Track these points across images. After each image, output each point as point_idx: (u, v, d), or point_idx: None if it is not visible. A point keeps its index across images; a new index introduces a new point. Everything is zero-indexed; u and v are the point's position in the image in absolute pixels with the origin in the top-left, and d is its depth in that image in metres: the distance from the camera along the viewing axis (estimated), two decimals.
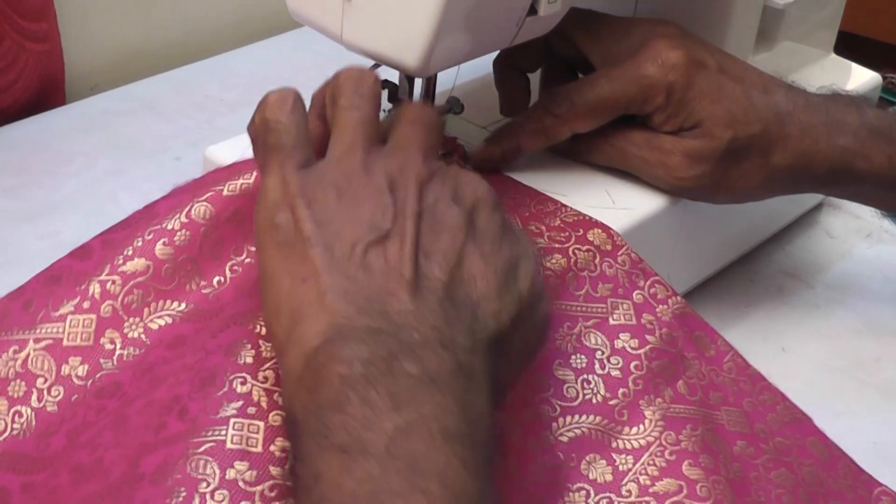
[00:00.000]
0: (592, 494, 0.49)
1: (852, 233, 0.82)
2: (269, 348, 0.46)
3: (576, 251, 0.56)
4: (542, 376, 0.51)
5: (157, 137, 0.85)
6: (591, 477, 0.50)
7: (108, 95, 0.91)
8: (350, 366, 0.40)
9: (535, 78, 0.67)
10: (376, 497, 0.37)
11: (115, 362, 0.48)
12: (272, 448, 0.44)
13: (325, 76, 1.00)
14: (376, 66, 0.60)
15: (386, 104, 0.61)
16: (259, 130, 0.48)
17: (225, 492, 0.42)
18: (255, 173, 0.52)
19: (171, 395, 0.45)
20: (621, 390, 0.52)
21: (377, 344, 0.41)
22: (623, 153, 0.62)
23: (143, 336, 0.49)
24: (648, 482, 0.49)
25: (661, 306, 0.55)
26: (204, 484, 0.42)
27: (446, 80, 0.64)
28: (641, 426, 0.51)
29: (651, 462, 0.50)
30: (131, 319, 0.49)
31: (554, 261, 0.55)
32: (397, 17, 0.51)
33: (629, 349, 0.53)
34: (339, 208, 0.45)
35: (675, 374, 0.53)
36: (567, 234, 0.56)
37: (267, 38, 1.03)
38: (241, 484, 0.42)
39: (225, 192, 0.52)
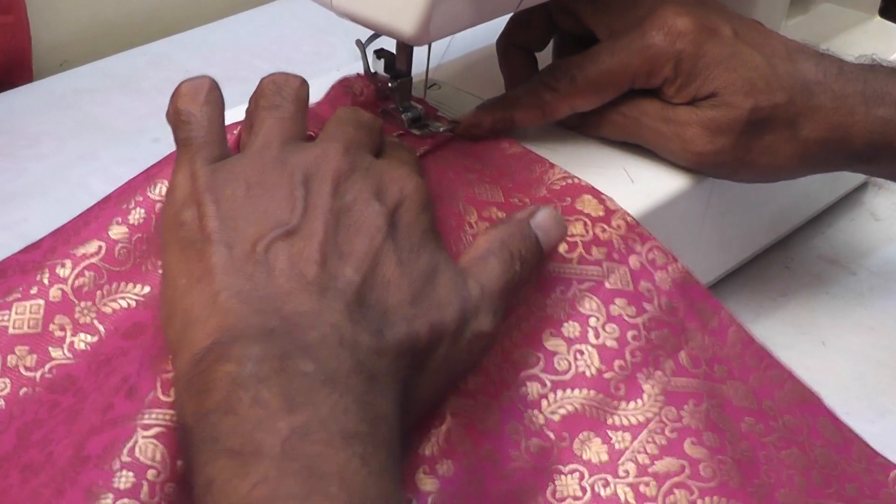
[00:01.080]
0: (587, 476, 0.50)
1: None
2: None
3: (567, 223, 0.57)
4: (529, 351, 0.52)
5: (132, 117, 0.86)
6: (584, 457, 0.50)
7: (78, 72, 0.91)
8: (240, 365, 0.41)
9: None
10: (273, 501, 0.38)
11: (66, 352, 0.49)
12: None
13: (316, 49, 1.01)
14: (374, 36, 0.60)
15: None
16: (172, 122, 0.49)
17: (174, 485, 0.43)
18: None
19: (120, 377, 0.46)
20: (617, 362, 0.52)
21: (269, 343, 0.42)
22: (637, 125, 0.62)
23: (96, 322, 0.50)
24: (647, 461, 0.50)
25: (659, 273, 0.56)
26: (153, 472, 0.43)
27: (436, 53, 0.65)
28: (640, 400, 0.51)
29: (650, 440, 0.50)
30: (83, 304, 0.50)
31: None
32: None
33: (626, 317, 0.53)
34: (246, 204, 0.46)
35: (676, 346, 0.53)
36: (553, 205, 0.57)
37: (252, 9, 1.03)
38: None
39: None
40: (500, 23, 0.65)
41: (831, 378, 0.65)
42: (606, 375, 0.52)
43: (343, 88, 0.61)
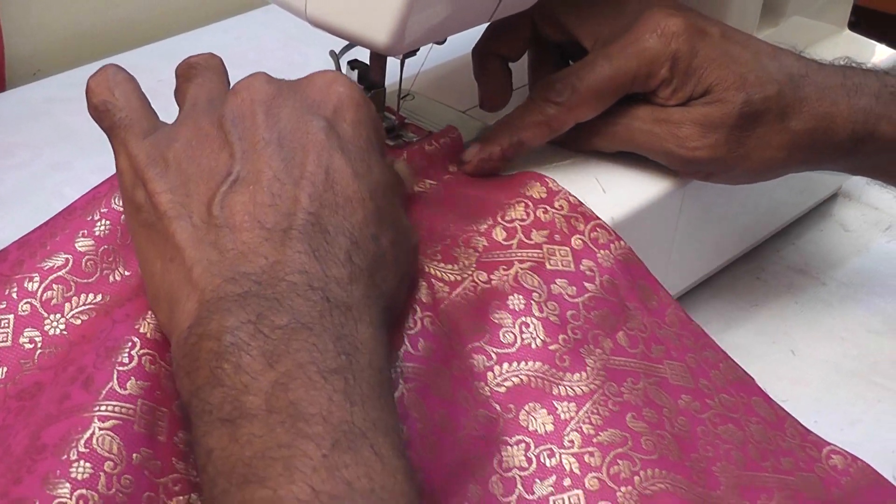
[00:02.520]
0: (532, 447, 0.50)
1: (870, 225, 0.83)
2: None
3: (503, 205, 0.57)
4: (476, 323, 0.52)
5: None
6: (530, 428, 0.50)
7: (52, 81, 0.91)
8: (219, 339, 0.42)
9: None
10: (264, 454, 0.39)
11: (35, 361, 0.49)
12: (176, 440, 0.45)
13: (290, 59, 1.01)
14: (348, 46, 0.60)
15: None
16: (95, 119, 0.50)
17: (130, 477, 0.44)
18: None
19: (76, 367, 0.46)
20: (561, 336, 0.53)
21: (242, 308, 0.42)
22: (630, 131, 0.62)
23: (65, 332, 0.50)
24: (592, 431, 0.50)
25: (602, 251, 0.56)
26: (110, 464, 0.43)
27: (416, 62, 0.65)
28: (584, 373, 0.52)
29: (594, 411, 0.51)
30: (52, 316, 0.50)
31: (481, 221, 0.56)
32: None
33: (566, 297, 0.54)
34: (189, 163, 0.46)
35: (615, 326, 0.54)
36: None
37: (227, 18, 1.03)
38: (146, 473, 0.44)
39: None
40: (472, 33, 0.65)
41: (802, 387, 0.65)
42: (552, 347, 0.52)
43: None
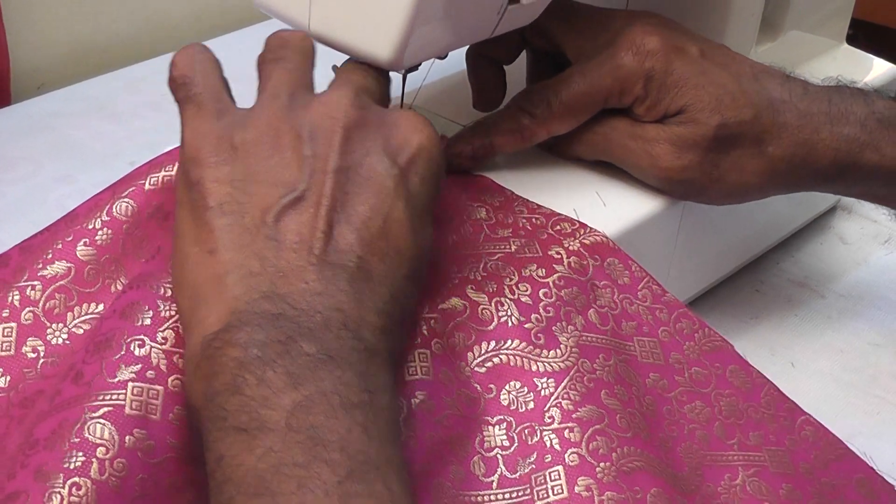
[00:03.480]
0: (514, 426, 0.50)
1: (869, 238, 0.83)
2: (167, 308, 0.48)
3: (468, 207, 0.58)
4: (457, 300, 0.53)
5: (109, 140, 0.86)
6: (511, 407, 0.51)
7: (55, 95, 0.92)
8: (245, 349, 0.42)
9: (512, 72, 0.68)
10: (278, 470, 0.39)
11: (38, 370, 0.50)
12: (171, 416, 0.46)
13: None
14: (350, 61, 0.61)
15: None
16: (172, 91, 0.50)
17: (123, 460, 0.44)
18: (176, 165, 0.54)
19: (68, 364, 0.47)
20: (534, 315, 0.53)
21: (275, 328, 0.42)
22: (607, 142, 0.63)
23: (67, 342, 0.51)
24: (571, 407, 0.51)
25: (567, 239, 0.57)
26: (102, 450, 0.44)
27: (418, 76, 0.66)
28: (558, 350, 0.52)
29: (572, 387, 0.51)
30: (54, 325, 0.51)
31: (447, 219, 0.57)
32: (368, 5, 0.52)
33: (536, 277, 0.54)
34: (255, 161, 0.46)
35: (585, 304, 0.54)
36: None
37: (230, 32, 1.04)
38: (139, 455, 0.44)
39: (147, 187, 0.54)
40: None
41: (801, 399, 0.65)
42: (527, 326, 0.53)
43: None
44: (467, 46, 0.64)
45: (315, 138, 0.47)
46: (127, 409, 0.45)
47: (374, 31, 0.52)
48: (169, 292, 0.48)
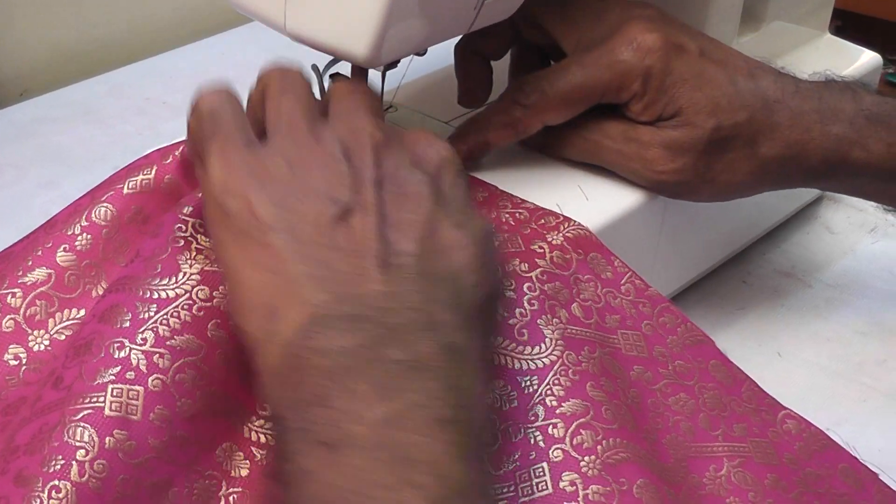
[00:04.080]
0: (498, 423, 0.50)
1: (855, 227, 0.84)
2: (146, 309, 0.47)
3: None
4: None
5: (93, 146, 0.86)
6: (495, 405, 0.51)
7: (38, 101, 0.92)
8: (331, 357, 0.41)
9: (498, 68, 0.68)
10: (364, 492, 0.39)
11: (21, 377, 0.50)
12: (152, 416, 0.46)
13: None
14: (334, 61, 0.61)
15: None
16: (195, 128, 0.49)
17: (104, 462, 0.44)
18: (154, 168, 0.54)
19: (48, 370, 0.47)
20: (518, 310, 0.53)
21: (359, 332, 0.42)
22: (598, 146, 0.63)
23: (49, 348, 0.51)
24: (555, 403, 0.51)
25: (551, 233, 0.57)
26: (82, 452, 0.44)
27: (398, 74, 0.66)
28: (543, 345, 0.52)
29: (556, 382, 0.51)
30: (36, 332, 0.51)
31: None
32: (343, 2, 0.52)
33: (520, 271, 0.55)
34: (292, 183, 0.46)
35: (568, 298, 0.55)
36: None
37: (212, 35, 1.04)
38: (119, 455, 0.44)
39: (125, 191, 0.54)
40: (453, 44, 0.66)
41: (788, 388, 0.65)
42: (511, 322, 0.53)
43: None
44: (448, 42, 0.64)
45: (349, 156, 0.47)
46: (106, 411, 0.45)
47: (350, 29, 0.53)
48: (148, 293, 0.48)
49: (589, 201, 0.62)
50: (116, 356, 0.46)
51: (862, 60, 0.83)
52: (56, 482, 0.43)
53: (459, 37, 0.66)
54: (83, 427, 0.44)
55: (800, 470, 0.55)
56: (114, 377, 0.46)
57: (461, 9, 0.56)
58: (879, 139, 0.64)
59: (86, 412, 0.45)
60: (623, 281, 0.57)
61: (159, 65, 0.99)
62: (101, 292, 0.52)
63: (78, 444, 0.44)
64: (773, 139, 0.63)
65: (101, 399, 0.45)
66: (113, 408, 0.45)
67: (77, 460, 0.44)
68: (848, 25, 1.43)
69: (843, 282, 0.78)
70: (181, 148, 0.55)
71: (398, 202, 0.46)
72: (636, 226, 0.64)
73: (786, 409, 0.57)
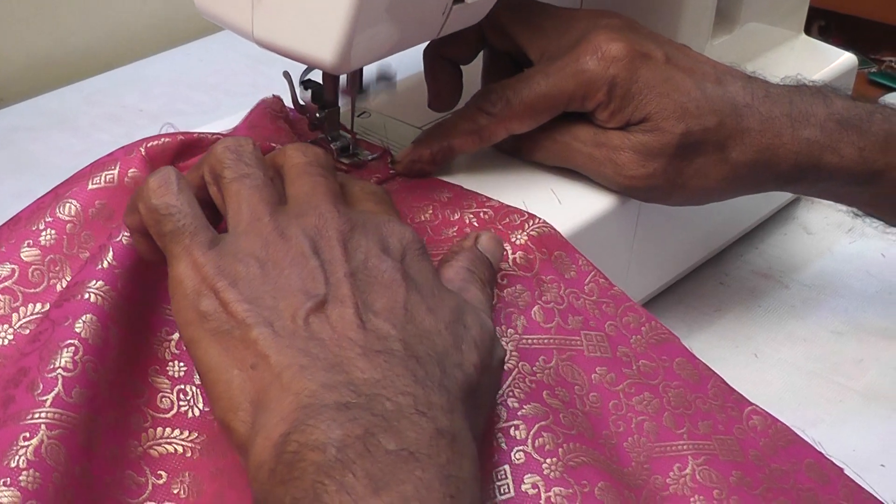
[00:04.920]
0: None
1: (832, 228, 0.84)
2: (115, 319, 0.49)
3: (413, 208, 0.59)
4: None
5: (68, 154, 0.86)
6: None
7: (13, 109, 0.92)
8: (324, 451, 0.41)
9: (469, 73, 0.68)
10: None
11: None
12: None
13: (253, 81, 1.01)
14: (308, 70, 0.62)
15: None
16: (150, 221, 0.48)
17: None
18: (118, 164, 0.55)
19: (17, 368, 0.47)
20: None
21: (350, 421, 0.42)
22: (569, 150, 0.63)
23: (13, 342, 0.51)
24: (517, 405, 0.51)
25: (515, 232, 0.58)
26: (57, 475, 0.45)
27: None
28: None
29: (516, 385, 0.52)
30: (0, 328, 0.51)
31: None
32: (310, 9, 0.53)
33: None
34: (265, 282, 0.46)
35: (529, 302, 0.55)
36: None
37: (188, 42, 1.04)
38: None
39: (89, 186, 0.55)
40: (421, 48, 0.66)
41: (764, 388, 0.66)
42: None
43: (262, 110, 0.63)
44: (419, 47, 0.65)
45: (318, 251, 0.47)
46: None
47: (317, 35, 0.53)
48: (93, 297, 0.49)
49: (562, 204, 0.62)
50: (90, 377, 0.47)
51: (838, 61, 0.84)
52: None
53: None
54: (57, 445, 0.45)
55: (765, 466, 0.55)
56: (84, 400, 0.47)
57: (429, 15, 0.57)
58: (851, 143, 0.64)
59: (60, 431, 0.45)
60: (587, 280, 0.57)
61: (136, 72, 0.99)
62: (65, 286, 0.52)
63: (54, 465, 0.45)
64: (744, 144, 0.63)
65: (76, 422, 0.46)
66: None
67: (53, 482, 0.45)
68: (831, 25, 1.43)
69: (820, 282, 0.78)
70: (145, 144, 0.56)
71: (373, 291, 0.47)
72: (610, 229, 0.65)
73: (752, 405, 0.57)
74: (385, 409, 0.42)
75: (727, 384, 0.58)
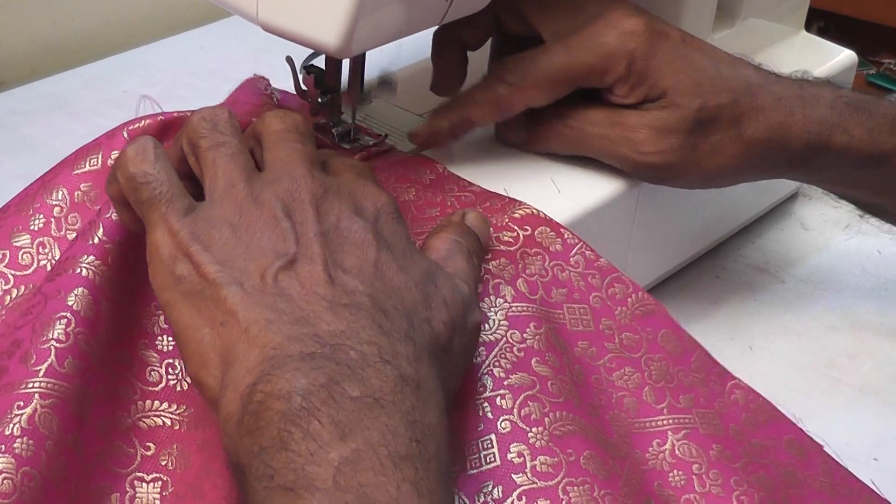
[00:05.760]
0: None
1: (829, 224, 0.85)
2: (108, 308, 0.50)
3: (396, 190, 0.60)
4: None
5: (68, 139, 0.85)
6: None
7: (14, 93, 0.93)
8: (289, 400, 0.42)
9: (472, 65, 0.69)
10: None
11: None
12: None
13: (255, 68, 1.02)
14: (313, 55, 0.62)
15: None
16: (127, 189, 0.49)
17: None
18: (102, 148, 0.57)
19: (10, 340, 0.48)
20: None
21: (314, 370, 0.43)
22: (583, 134, 0.64)
23: (4, 320, 0.53)
24: (503, 374, 0.52)
25: (496, 216, 0.58)
26: (50, 444, 0.45)
27: (377, 62, 0.66)
28: (487, 325, 0.53)
29: (503, 355, 0.52)
30: None
31: None
32: None
33: None
34: (237, 245, 0.47)
35: (514, 274, 0.56)
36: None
37: (189, 29, 1.05)
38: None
39: (74, 171, 0.56)
40: (427, 40, 0.67)
41: (758, 381, 0.66)
42: None
43: (245, 87, 0.64)
44: (420, 35, 0.65)
45: (290, 213, 0.48)
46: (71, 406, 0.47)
47: (321, 19, 0.53)
48: (85, 271, 0.50)
49: (561, 194, 0.63)
50: (82, 348, 0.48)
51: (838, 58, 0.84)
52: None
53: (433, 29, 0.67)
54: (50, 414, 0.46)
55: (745, 441, 0.55)
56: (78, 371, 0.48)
57: (433, 1, 0.57)
58: (860, 123, 0.65)
59: (52, 400, 0.46)
60: (573, 252, 0.58)
61: (137, 58, 0.99)
62: (53, 265, 0.53)
63: (47, 433, 0.46)
64: (758, 121, 0.64)
65: (69, 391, 0.47)
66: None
67: (46, 451, 0.46)
68: (831, 26, 1.44)
69: (816, 277, 0.79)
70: (127, 127, 0.57)
71: (343, 249, 0.48)
72: (608, 219, 0.65)
73: (734, 378, 0.58)
74: (349, 358, 0.43)
75: (711, 357, 0.58)
